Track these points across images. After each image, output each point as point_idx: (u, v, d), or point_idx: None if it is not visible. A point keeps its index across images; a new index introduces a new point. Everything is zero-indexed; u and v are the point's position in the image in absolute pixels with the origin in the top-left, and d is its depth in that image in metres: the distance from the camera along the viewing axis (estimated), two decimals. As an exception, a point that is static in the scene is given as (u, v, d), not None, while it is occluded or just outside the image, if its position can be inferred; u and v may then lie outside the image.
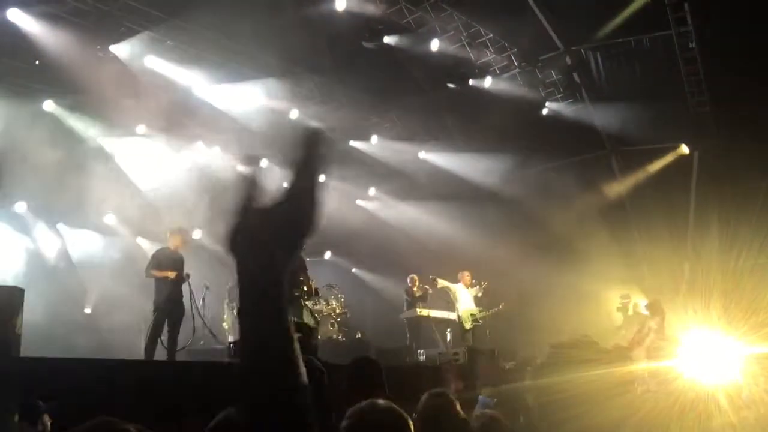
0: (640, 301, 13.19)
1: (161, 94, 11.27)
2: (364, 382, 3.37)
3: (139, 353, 9.04)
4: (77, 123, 11.67)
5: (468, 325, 11.87)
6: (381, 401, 2.19)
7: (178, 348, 9.07)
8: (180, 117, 12.15)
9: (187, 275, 9.42)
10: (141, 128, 12.32)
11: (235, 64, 11.89)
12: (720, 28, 11.58)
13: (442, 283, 12.07)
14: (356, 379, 3.46)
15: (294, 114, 13.74)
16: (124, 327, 11.04)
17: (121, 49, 10.91)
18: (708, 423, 2.06)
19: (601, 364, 1.50)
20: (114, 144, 12.29)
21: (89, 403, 4.66)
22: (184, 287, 9.30)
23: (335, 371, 3.59)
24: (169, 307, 8.96)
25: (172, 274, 8.95)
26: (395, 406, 2.19)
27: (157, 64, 11.41)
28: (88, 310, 12.36)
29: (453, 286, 12.10)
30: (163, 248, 9.53)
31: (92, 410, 1.65)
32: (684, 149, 14.28)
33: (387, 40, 12.18)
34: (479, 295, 12.23)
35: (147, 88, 11.10)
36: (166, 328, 8.95)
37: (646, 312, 11.01)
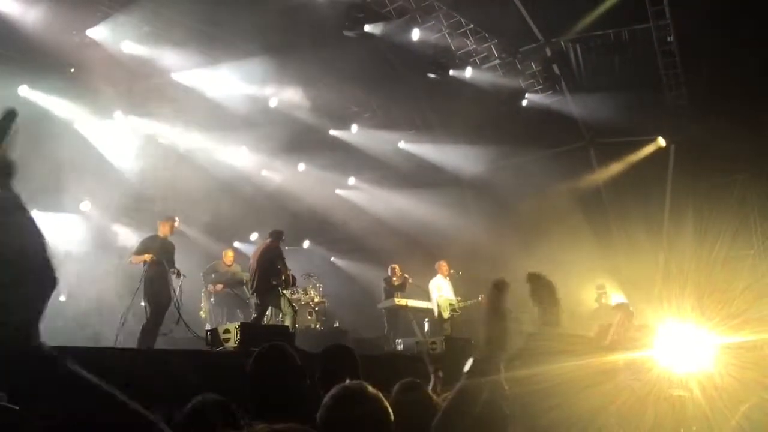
0: (612, 296, 13.32)
1: (139, 77, 11.12)
2: (337, 370, 3.37)
3: (110, 341, 8.89)
4: (53, 107, 11.45)
5: (446, 315, 11.92)
6: (365, 386, 2.20)
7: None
8: (157, 101, 11.98)
9: (178, 271, 9.37)
10: (118, 113, 12.17)
11: (215, 50, 11.78)
12: (698, 22, 11.70)
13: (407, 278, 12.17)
14: (329, 366, 3.47)
15: (274, 102, 13.68)
16: (98, 314, 10.89)
17: (98, 33, 10.76)
18: (682, 411, 2.10)
19: (578, 355, 1.51)
20: (90, 128, 12.09)
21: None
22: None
23: (312, 360, 3.60)
24: (159, 294, 8.91)
25: (147, 257, 8.88)
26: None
27: (135, 48, 11.28)
28: (62, 298, 12.19)
29: (432, 283, 12.12)
30: (152, 236, 9.44)
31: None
32: (661, 142, 14.43)
33: (368, 28, 12.13)
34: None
35: (124, 72, 10.95)
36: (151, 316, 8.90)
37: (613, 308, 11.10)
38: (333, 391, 2.19)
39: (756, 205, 13.58)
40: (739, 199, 13.67)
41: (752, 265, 13.13)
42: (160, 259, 8.95)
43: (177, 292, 9.32)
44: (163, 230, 9.34)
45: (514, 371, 1.58)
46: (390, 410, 2.22)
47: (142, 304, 9.01)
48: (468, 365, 1.84)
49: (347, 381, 2.49)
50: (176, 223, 9.52)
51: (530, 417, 1.52)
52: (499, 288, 1.90)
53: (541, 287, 1.99)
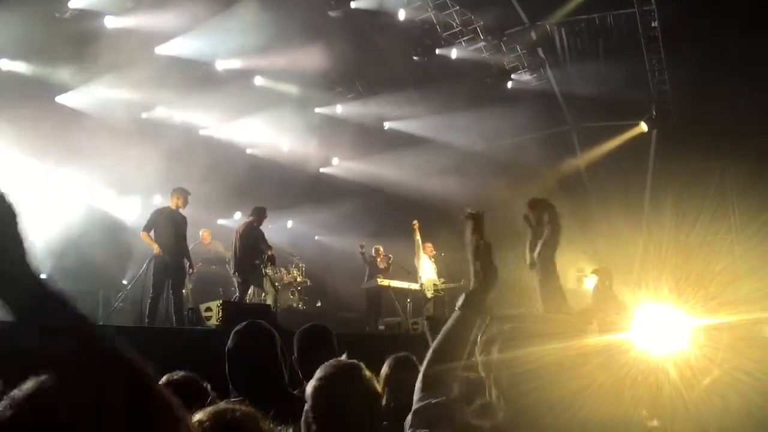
0: (592, 279, 13.45)
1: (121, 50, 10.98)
2: (314, 348, 3.41)
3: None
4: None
5: (429, 294, 12.01)
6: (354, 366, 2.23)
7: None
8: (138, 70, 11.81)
9: (191, 268, 9.36)
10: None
11: (203, 28, 11.70)
12: (683, 7, 11.74)
13: (418, 234, 12.09)
14: (305, 345, 3.50)
15: (258, 81, 13.66)
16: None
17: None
18: (658, 392, 2.15)
19: (558, 337, 1.54)
20: (77, 98, 11.92)
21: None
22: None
23: (293, 339, 3.63)
24: (167, 270, 8.86)
25: (156, 250, 8.77)
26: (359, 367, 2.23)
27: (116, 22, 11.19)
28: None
29: (420, 251, 12.18)
30: (163, 207, 9.31)
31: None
32: (643, 127, 14.53)
33: (354, 5, 12.07)
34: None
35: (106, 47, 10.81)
36: (168, 294, 8.91)
37: (592, 281, 11.21)
38: (323, 370, 2.21)
39: (734, 190, 13.76)
40: (718, 184, 13.86)
41: (729, 249, 13.34)
42: (164, 255, 8.82)
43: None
44: (174, 201, 9.15)
45: (494, 354, 1.60)
46: (377, 387, 2.25)
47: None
48: (460, 300, 1.88)
49: (327, 359, 2.53)
50: (188, 196, 9.26)
51: (511, 399, 1.55)
52: (475, 219, 1.94)
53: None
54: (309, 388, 2.17)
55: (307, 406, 2.15)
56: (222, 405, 1.63)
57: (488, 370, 1.62)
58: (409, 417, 1.74)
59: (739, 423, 2.36)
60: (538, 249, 1.92)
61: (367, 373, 2.23)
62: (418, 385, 1.81)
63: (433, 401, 1.70)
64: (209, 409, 1.56)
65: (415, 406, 1.75)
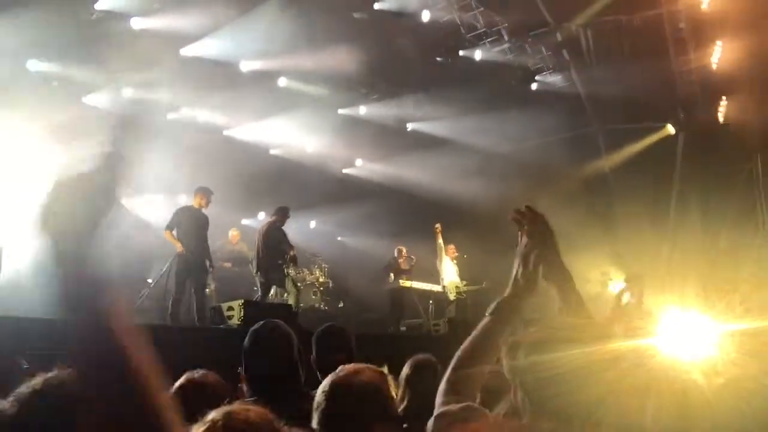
0: (618, 283, 13.31)
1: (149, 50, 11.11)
2: (331, 349, 3.41)
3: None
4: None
5: (452, 297, 12.00)
6: (360, 372, 2.22)
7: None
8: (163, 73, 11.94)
9: (211, 266, 9.41)
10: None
11: (228, 30, 11.80)
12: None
13: (440, 237, 12.09)
14: (323, 345, 3.50)
15: (282, 82, 13.76)
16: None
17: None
18: (684, 399, 2.11)
19: (584, 342, 1.53)
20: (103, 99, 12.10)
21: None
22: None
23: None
24: (189, 269, 8.92)
25: (180, 248, 8.84)
26: (374, 377, 2.22)
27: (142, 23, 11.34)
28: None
29: (443, 254, 12.18)
30: (186, 206, 9.38)
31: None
32: (670, 129, 14.37)
33: (377, 7, 12.09)
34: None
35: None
36: (191, 293, 8.97)
37: (622, 287, 11.10)
38: (328, 381, 2.22)
39: (762, 194, 13.54)
40: (745, 188, 13.64)
41: (757, 254, 13.13)
42: (187, 254, 8.89)
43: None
44: (196, 201, 9.20)
45: (521, 359, 1.59)
46: (389, 390, 2.24)
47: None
48: (492, 306, 1.86)
49: (344, 360, 2.53)
50: (211, 196, 9.29)
51: (536, 403, 1.54)
52: (531, 220, 1.91)
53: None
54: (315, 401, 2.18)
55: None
56: (235, 405, 1.64)
57: (514, 374, 1.61)
58: (431, 421, 1.73)
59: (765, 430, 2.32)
60: (545, 259, 1.88)
61: (371, 379, 2.22)
62: (441, 388, 1.79)
63: (455, 406, 1.69)
64: (222, 409, 1.57)
65: (437, 411, 1.74)
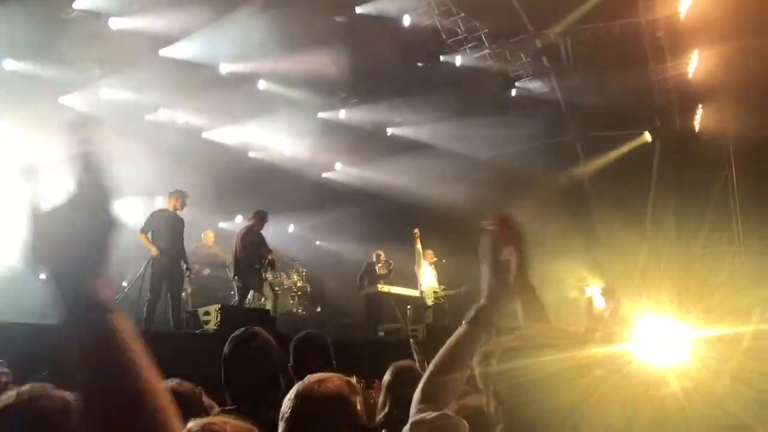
0: (594, 290, 13.40)
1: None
2: (308, 356, 3.37)
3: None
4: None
5: (430, 302, 11.99)
6: (328, 383, 2.20)
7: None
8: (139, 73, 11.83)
9: (188, 270, 9.32)
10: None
11: (208, 32, 11.73)
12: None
13: (418, 243, 12.09)
14: (300, 353, 3.47)
15: (262, 85, 13.71)
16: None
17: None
18: (659, 404, 2.12)
19: (560, 349, 1.52)
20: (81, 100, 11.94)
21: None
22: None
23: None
24: (164, 273, 8.82)
25: (154, 252, 8.74)
26: (340, 387, 2.19)
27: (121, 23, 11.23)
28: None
29: (421, 260, 12.17)
30: (162, 209, 9.31)
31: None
32: (647, 137, 14.53)
33: (359, 11, 12.09)
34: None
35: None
36: (167, 296, 8.86)
37: (600, 299, 11.16)
38: (294, 390, 2.20)
39: (737, 202, 13.74)
40: (720, 196, 13.84)
41: (731, 261, 13.32)
42: (162, 257, 8.80)
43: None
44: (171, 203, 9.13)
45: (493, 366, 1.58)
46: (356, 399, 2.21)
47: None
48: (468, 314, 1.85)
49: (322, 368, 2.50)
50: (187, 199, 9.22)
51: (510, 411, 1.52)
52: (504, 224, 1.89)
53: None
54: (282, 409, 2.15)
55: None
56: (214, 416, 1.61)
57: (487, 382, 1.60)
58: (407, 428, 1.71)
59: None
60: (513, 272, 1.87)
61: (335, 388, 2.19)
62: (416, 396, 1.78)
63: (430, 414, 1.67)
64: (201, 420, 1.53)
65: (412, 419, 1.72)
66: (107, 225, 0.97)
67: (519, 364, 1.50)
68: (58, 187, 0.99)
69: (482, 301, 1.86)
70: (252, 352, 2.93)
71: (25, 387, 1.62)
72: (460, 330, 1.83)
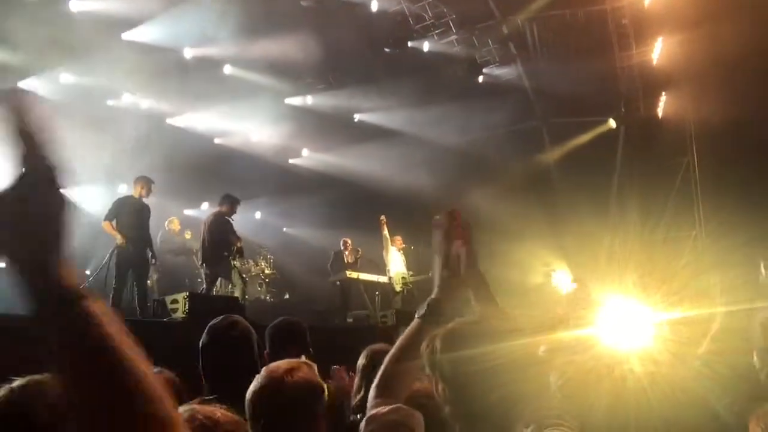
0: (562, 276, 13.55)
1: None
2: (286, 343, 3.36)
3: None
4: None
5: (398, 288, 12.04)
6: (295, 369, 2.18)
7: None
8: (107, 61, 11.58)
9: (153, 258, 9.17)
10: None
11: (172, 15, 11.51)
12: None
13: (385, 229, 12.10)
14: (277, 340, 3.45)
15: (228, 69, 13.53)
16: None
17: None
18: (622, 387, 2.16)
19: (521, 333, 1.53)
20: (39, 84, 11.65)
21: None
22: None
23: (262, 332, 3.57)
24: (130, 261, 8.66)
25: (120, 240, 8.57)
26: (309, 375, 2.18)
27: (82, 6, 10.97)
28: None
29: (389, 245, 12.20)
30: (126, 196, 9.11)
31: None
32: (612, 123, 14.71)
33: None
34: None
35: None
36: (132, 285, 8.73)
37: (569, 288, 11.31)
38: (258, 380, 2.18)
39: (699, 187, 14.01)
40: (683, 181, 14.09)
41: (693, 246, 13.59)
42: (127, 245, 8.64)
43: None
44: (136, 190, 8.93)
45: (452, 352, 1.59)
46: (318, 388, 2.20)
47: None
48: (421, 309, 1.86)
49: (299, 354, 2.48)
50: (152, 185, 9.01)
51: (468, 399, 1.53)
52: (449, 223, 1.91)
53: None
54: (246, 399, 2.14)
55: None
56: (200, 406, 1.59)
57: (433, 366, 1.62)
58: (363, 423, 1.72)
59: (700, 415, 2.40)
60: (462, 264, 1.89)
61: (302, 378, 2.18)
62: (372, 391, 1.79)
63: (384, 408, 1.69)
64: (186, 408, 1.51)
65: (368, 414, 1.73)
66: (59, 202, 0.93)
67: (481, 349, 1.52)
68: (3, 169, 0.94)
69: (434, 294, 1.88)
70: (232, 340, 2.90)
71: (17, 383, 1.56)
72: (412, 324, 1.85)
